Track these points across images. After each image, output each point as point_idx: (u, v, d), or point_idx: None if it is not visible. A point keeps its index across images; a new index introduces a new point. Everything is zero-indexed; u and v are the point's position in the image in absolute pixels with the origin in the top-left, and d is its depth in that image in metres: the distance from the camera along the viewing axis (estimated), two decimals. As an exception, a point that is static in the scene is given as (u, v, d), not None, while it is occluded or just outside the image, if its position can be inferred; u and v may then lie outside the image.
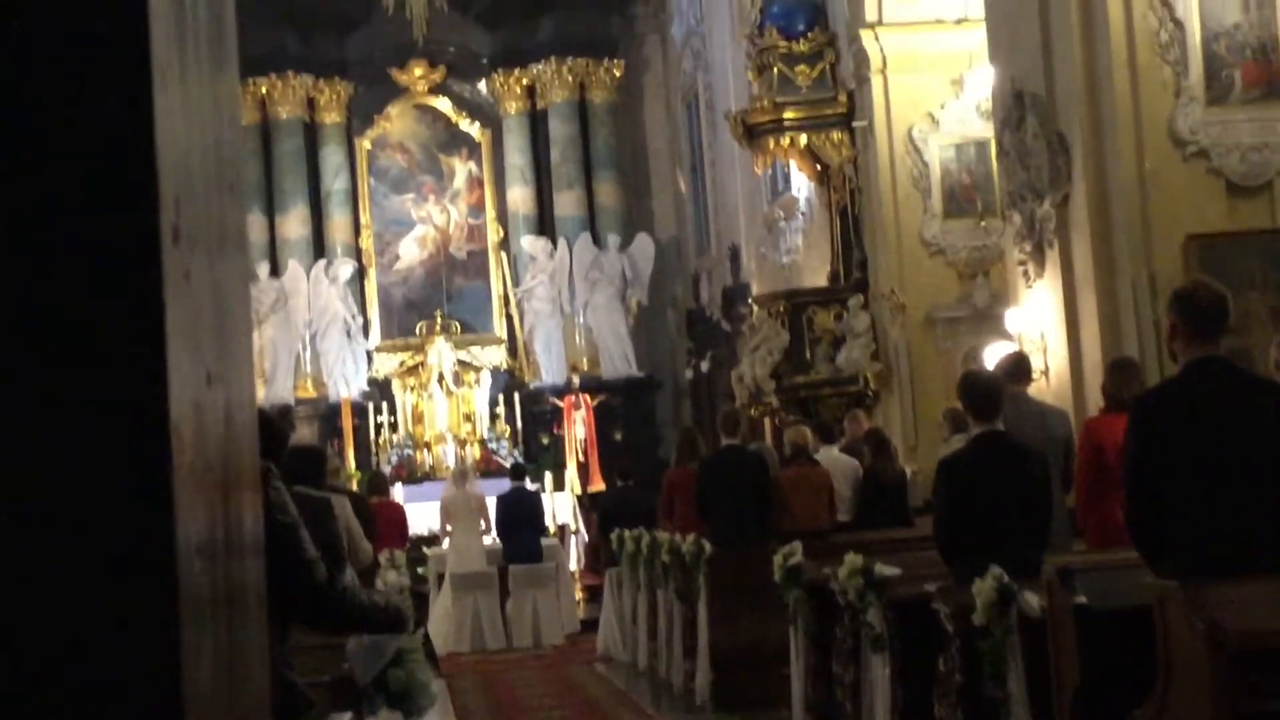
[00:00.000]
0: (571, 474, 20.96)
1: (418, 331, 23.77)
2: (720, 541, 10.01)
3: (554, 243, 23.69)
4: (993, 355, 11.28)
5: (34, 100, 0.88)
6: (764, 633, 9.06)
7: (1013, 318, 11.41)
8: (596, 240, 23.69)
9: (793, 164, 16.80)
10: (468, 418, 22.90)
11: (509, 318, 24.15)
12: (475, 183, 24.58)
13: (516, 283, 23.90)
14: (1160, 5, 9.69)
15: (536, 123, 24.24)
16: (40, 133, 0.88)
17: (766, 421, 16.93)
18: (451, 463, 21.14)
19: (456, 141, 24.63)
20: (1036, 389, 9.27)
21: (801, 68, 15.53)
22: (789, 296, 15.71)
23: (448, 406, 22.79)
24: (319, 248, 23.63)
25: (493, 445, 22.68)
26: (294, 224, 23.51)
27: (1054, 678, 4.87)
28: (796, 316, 15.22)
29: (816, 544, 8.53)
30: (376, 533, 10.40)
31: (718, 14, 20.81)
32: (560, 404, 22.30)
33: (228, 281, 1.11)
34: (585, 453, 21.73)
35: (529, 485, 16.12)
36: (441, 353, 22.85)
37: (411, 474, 21.92)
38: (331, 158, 23.94)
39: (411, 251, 24.38)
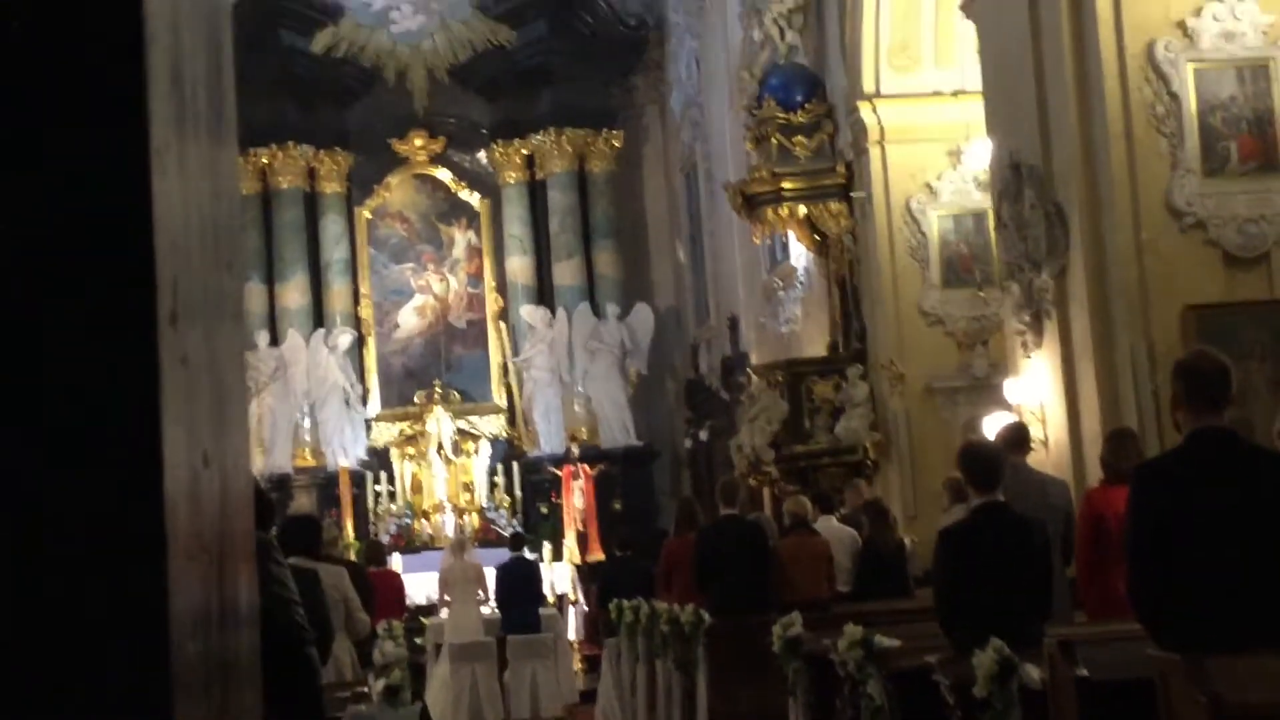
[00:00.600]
0: (570, 544, 20.90)
1: (417, 400, 23.77)
2: (719, 612, 9.95)
3: (553, 312, 23.73)
4: (992, 425, 11.26)
5: (32, 182, 0.88)
6: (763, 704, 8.99)
7: (1012, 388, 11.40)
8: (596, 310, 23.73)
9: (791, 234, 16.85)
10: (466, 487, 22.86)
11: (508, 387, 24.17)
12: (475, 252, 24.67)
13: (516, 352, 23.93)
14: (1156, 78, 9.75)
15: (536, 192, 24.35)
16: (39, 215, 0.88)
17: (766, 491, 16.88)
18: (450, 532, 21.10)
19: (456, 211, 24.73)
20: (1036, 459, 9.25)
21: (800, 139, 15.62)
22: (788, 366, 15.72)
23: (446, 476, 22.75)
24: (318, 317, 23.67)
25: (491, 515, 22.63)
26: (294, 293, 23.56)
27: (1056, 752, 4.83)
28: (795, 386, 15.22)
29: (816, 615, 8.49)
30: (375, 603, 10.34)
31: (716, 85, 20.95)
32: (559, 473, 22.26)
33: (224, 360, 1.10)
34: (584, 522, 21.67)
35: (528, 555, 16.06)
36: (440, 422, 22.84)
37: (410, 543, 21.85)
38: (331, 227, 24.03)
39: (411, 321, 24.43)
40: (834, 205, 15.44)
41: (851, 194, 15.20)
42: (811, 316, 17.30)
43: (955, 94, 14.51)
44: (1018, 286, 10.95)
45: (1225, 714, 3.83)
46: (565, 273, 23.96)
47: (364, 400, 23.72)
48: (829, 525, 11.31)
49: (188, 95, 1.02)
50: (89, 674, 0.94)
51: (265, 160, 23.58)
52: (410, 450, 23.11)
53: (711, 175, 21.48)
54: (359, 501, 22.24)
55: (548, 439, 23.44)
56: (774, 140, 15.63)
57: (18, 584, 0.89)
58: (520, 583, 14.69)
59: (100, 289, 0.89)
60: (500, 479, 23.04)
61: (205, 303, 1.04)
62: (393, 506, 22.67)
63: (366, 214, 24.49)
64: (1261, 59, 9.87)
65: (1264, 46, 9.86)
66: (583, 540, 21.25)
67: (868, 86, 14.70)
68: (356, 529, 21.27)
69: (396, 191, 24.64)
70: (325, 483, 22.61)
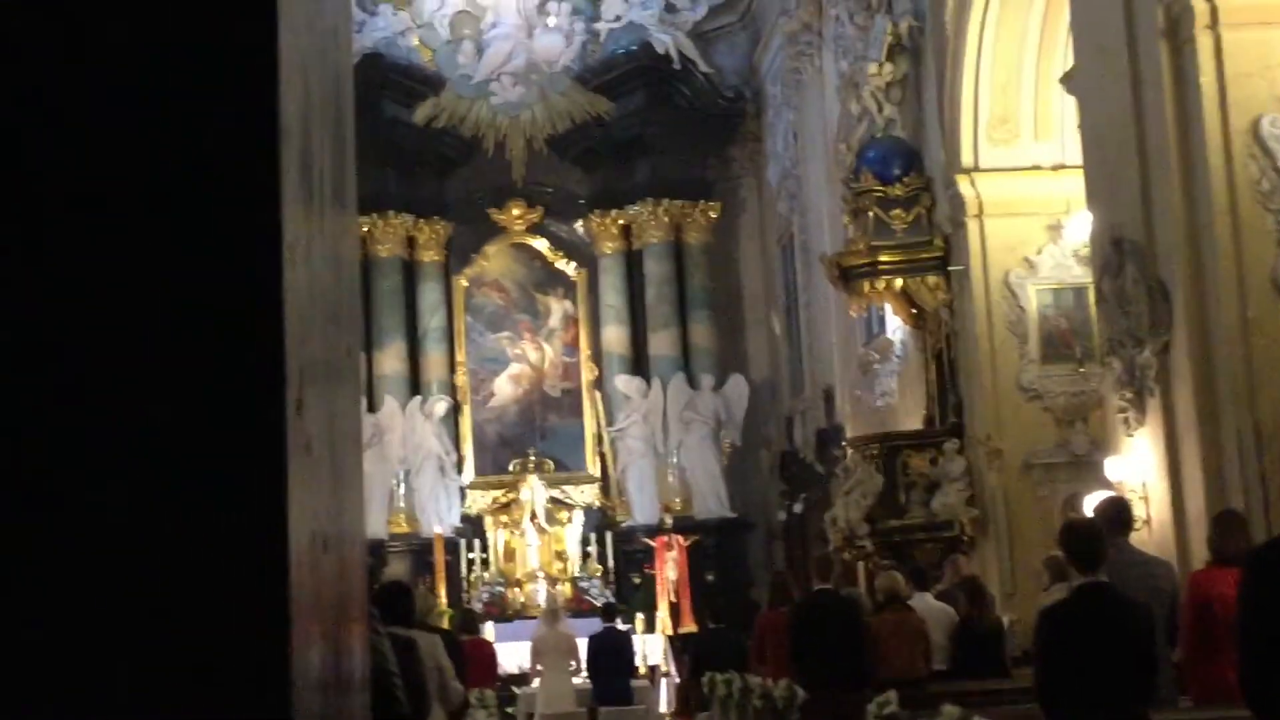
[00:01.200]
0: (663, 615, 20.81)
1: (511, 469, 23.85)
2: (813, 687, 9.85)
3: (648, 382, 23.75)
4: (1093, 503, 11.11)
5: (165, 273, 0.89)
6: (858, 784, 8.87)
7: (1113, 465, 11.25)
8: (690, 380, 23.73)
9: (888, 307, 16.79)
10: (559, 556, 22.86)
11: (602, 456, 24.18)
12: (570, 321, 24.78)
13: (610, 422, 23.95)
14: (1261, 154, 9.65)
15: (632, 263, 24.45)
16: (171, 306, 0.89)
17: (860, 565, 16.74)
18: (543, 601, 21.08)
19: (552, 280, 24.89)
20: (1138, 539, 9.11)
21: (897, 211, 15.58)
22: (883, 439, 15.61)
23: (539, 544, 22.76)
24: (415, 384, 23.85)
25: (584, 584, 22.59)
26: (391, 360, 23.77)
27: (1161, 842, 4.72)
28: (891, 460, 15.11)
29: (912, 693, 8.39)
30: (467, 672, 10.34)
31: (813, 158, 20.97)
32: (652, 544, 22.21)
33: (343, 442, 1.11)
34: (677, 593, 21.58)
35: (620, 625, 16.01)
36: (534, 490, 22.88)
37: (502, 612, 21.85)
38: (429, 295, 24.25)
39: (506, 389, 24.55)
40: (931, 279, 15.36)
41: (949, 267, 15.13)
42: (907, 390, 17.19)
43: (1055, 168, 14.45)
44: (1119, 362, 10.82)
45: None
46: (660, 343, 24.00)
47: (459, 468, 23.83)
48: (925, 602, 11.17)
49: (315, 183, 1.03)
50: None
51: (366, 229, 23.86)
52: (504, 518, 23.16)
53: (808, 247, 21.47)
54: (452, 569, 22.30)
55: (641, 509, 23.41)
56: (871, 213, 15.60)
57: (150, 673, 0.90)
58: (612, 653, 14.64)
59: (230, 380, 0.90)
60: (593, 548, 23.02)
61: (327, 388, 1.05)
62: (486, 574, 22.70)
63: (464, 282, 24.71)
64: (1370, 135, 9.73)
65: (1373, 122, 9.72)
66: (675, 611, 21.16)
67: (966, 160, 14.66)
68: (449, 596, 21.31)
69: (494, 260, 24.84)
70: (419, 549, 22.70)
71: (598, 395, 24.27)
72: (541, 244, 24.90)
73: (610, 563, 22.96)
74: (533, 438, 24.21)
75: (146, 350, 0.89)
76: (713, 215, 24.46)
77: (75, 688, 0.92)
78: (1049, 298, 14.52)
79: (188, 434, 0.89)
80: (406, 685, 4.68)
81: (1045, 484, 14.12)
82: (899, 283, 15.56)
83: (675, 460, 23.48)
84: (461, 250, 24.72)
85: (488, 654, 13.37)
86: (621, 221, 24.37)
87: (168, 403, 0.89)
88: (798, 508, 21.82)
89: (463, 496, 23.79)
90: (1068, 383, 14.18)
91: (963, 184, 14.60)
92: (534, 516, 22.76)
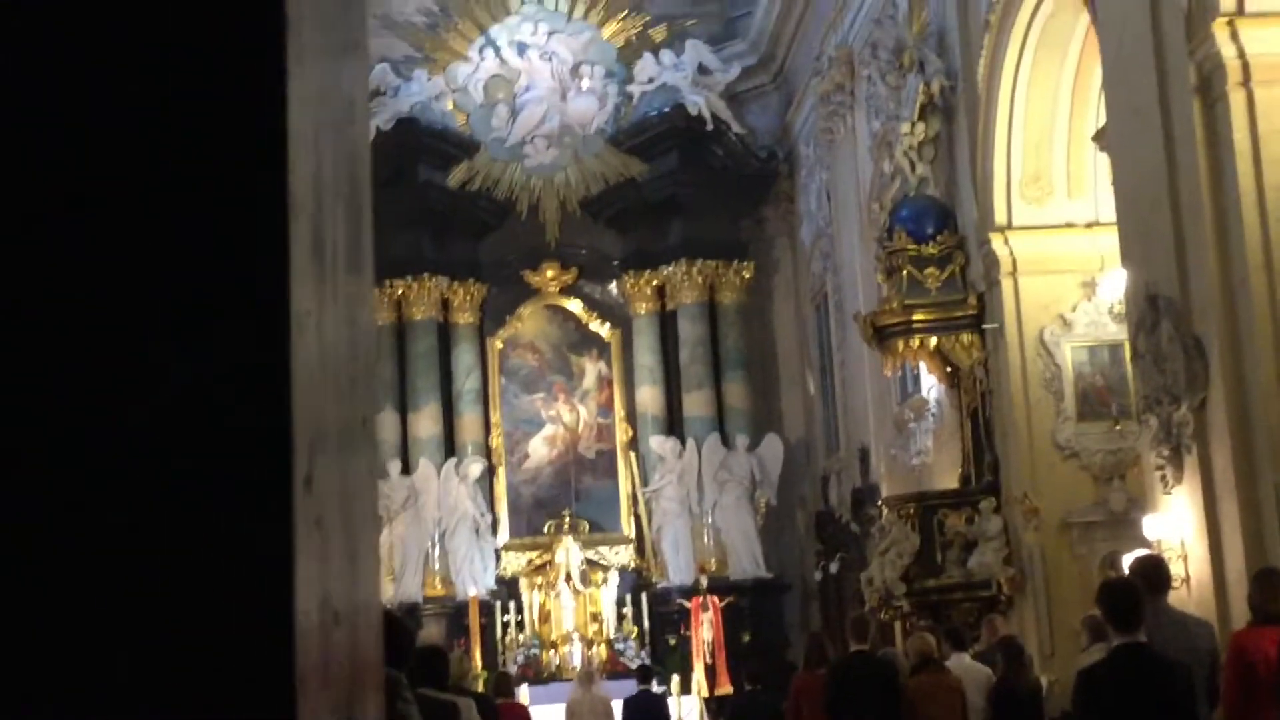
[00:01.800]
0: (699, 676, 20.67)
1: (546, 530, 23.82)
2: (850, 751, 9.76)
3: (683, 443, 23.72)
4: (1132, 562, 11.01)
5: (172, 349, 0.89)
6: None
7: (1151, 524, 11.16)
8: (725, 441, 23.70)
9: (922, 365, 16.74)
10: (595, 617, 22.77)
11: (637, 517, 24.13)
12: (605, 382, 24.80)
13: (645, 482, 23.91)
14: (1297, 209, 9.62)
15: (666, 323, 24.48)
16: (177, 381, 0.89)
17: (897, 626, 16.62)
18: (578, 663, 20.99)
19: (587, 341, 24.93)
20: (1177, 598, 9.02)
21: (931, 270, 15.56)
22: (919, 499, 15.54)
23: (575, 606, 22.68)
24: (449, 446, 23.88)
25: (619, 646, 22.48)
26: (426, 422, 23.82)
27: None
28: (927, 519, 15.03)
29: (950, 757, 8.30)
30: (501, 736, 10.29)
31: (846, 217, 21.00)
32: (688, 605, 22.09)
33: (358, 516, 1.11)
34: (713, 654, 21.45)
35: (655, 688, 15.91)
36: (569, 551, 22.83)
37: (538, 674, 21.75)
38: (464, 357, 24.32)
39: (541, 450, 24.56)
40: (966, 337, 15.32)
41: (984, 326, 15.09)
42: (943, 448, 17.11)
43: (1089, 225, 14.43)
44: (1156, 420, 10.75)
45: None
46: (695, 403, 23.99)
47: (494, 529, 23.81)
48: (962, 662, 11.08)
49: (328, 254, 1.03)
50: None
51: (401, 291, 23.99)
52: (539, 580, 23.10)
53: (842, 306, 21.46)
54: (487, 631, 22.24)
55: (676, 570, 23.31)
56: (905, 272, 15.59)
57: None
58: (648, 716, 14.55)
59: (236, 453, 0.90)
60: (629, 610, 22.93)
61: (341, 461, 1.04)
62: (521, 637, 22.62)
63: (498, 344, 24.78)
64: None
65: None
66: (711, 673, 21.02)
67: (999, 218, 14.65)
68: (484, 659, 21.25)
69: (528, 322, 24.91)
70: (454, 612, 22.65)
71: (632, 456, 24.24)
72: (575, 305, 24.97)
73: (645, 624, 22.86)
74: (567, 499, 24.19)
75: (151, 426, 0.89)
76: (746, 275, 24.49)
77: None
78: (1084, 355, 14.46)
79: (193, 513, 0.89)
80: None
81: (1083, 543, 14.01)
82: (933, 341, 15.52)
83: (710, 521, 23.41)
84: (496, 312, 24.80)
85: (523, 717, 13.30)
86: (655, 282, 24.42)
87: (172, 481, 0.89)
88: (833, 568, 21.69)
89: (498, 558, 23.76)
90: (1104, 440, 14.09)
91: (996, 242, 14.59)
92: (569, 578, 22.70)
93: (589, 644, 22.24)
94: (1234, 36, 9.80)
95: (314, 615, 0.93)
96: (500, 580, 23.51)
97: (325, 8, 1.05)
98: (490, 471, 24.10)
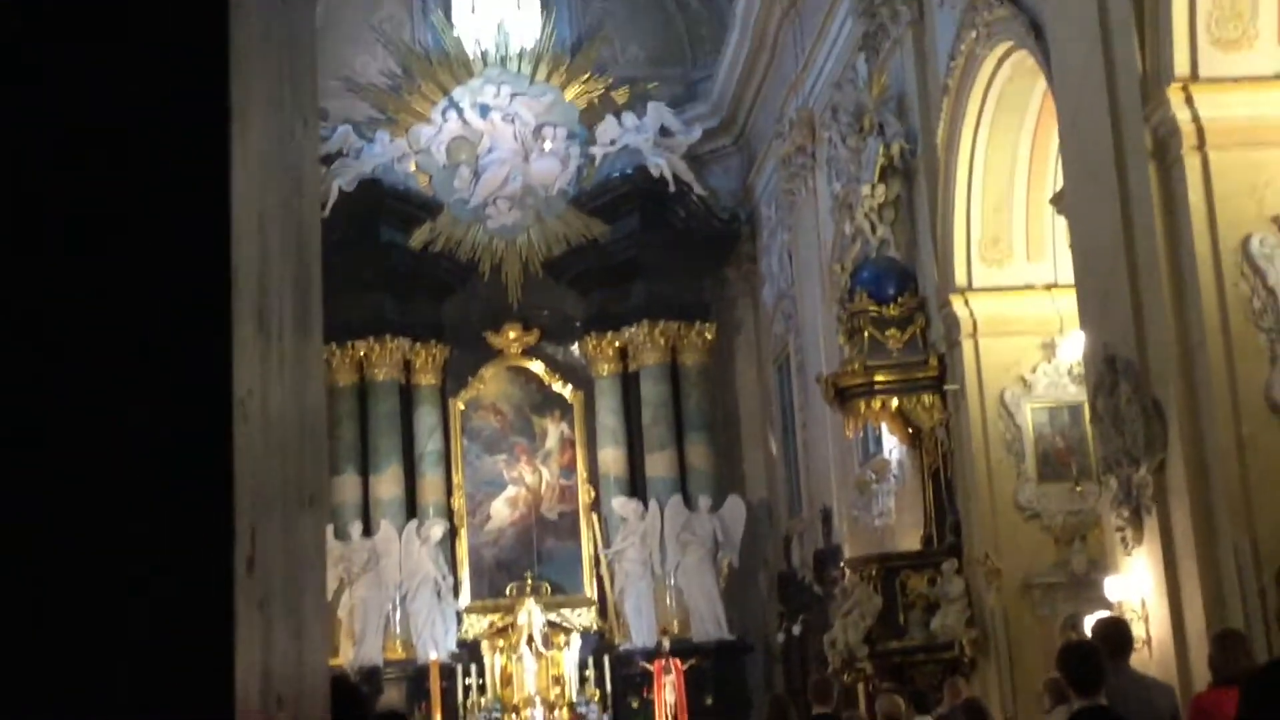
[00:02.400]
0: (661, 740, 20.55)
1: (508, 592, 23.70)
2: (813, 816, 9.70)
3: (645, 504, 23.68)
4: (1093, 624, 11.02)
5: (116, 433, 0.88)
6: None
7: (1112, 585, 11.17)
8: (688, 502, 23.66)
9: (884, 426, 16.76)
10: (557, 680, 22.63)
11: (599, 579, 24.04)
12: (567, 444, 24.76)
13: (607, 544, 23.84)
14: (1252, 273, 9.69)
15: (628, 384, 24.48)
16: (118, 467, 0.88)
17: (860, 688, 16.56)
18: (540, 727, 20.83)
19: (549, 403, 24.91)
20: (1138, 659, 9.02)
21: (892, 331, 15.62)
22: (881, 560, 15.52)
23: (537, 669, 22.53)
24: (411, 507, 23.78)
25: (582, 709, 22.34)
26: (388, 484, 23.72)
27: None
28: (889, 580, 15.01)
29: (913, 821, 8.26)
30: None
31: (808, 278, 21.08)
32: (650, 667, 21.99)
33: (306, 596, 1.10)
34: (675, 717, 21.33)
35: (618, 752, 15.80)
36: (531, 614, 22.70)
37: (499, 738, 21.58)
38: (426, 419, 24.26)
39: (503, 512, 24.47)
40: (927, 398, 15.36)
41: (945, 387, 15.13)
42: (905, 510, 17.12)
43: (1048, 287, 14.52)
44: (1116, 481, 10.79)
45: None
46: (657, 464, 23.96)
47: (455, 592, 23.68)
48: (926, 726, 11.04)
49: (274, 331, 1.03)
50: None
51: (363, 353, 23.93)
52: (501, 643, 22.95)
53: (804, 367, 21.50)
54: (449, 695, 22.05)
55: (639, 632, 23.21)
56: (866, 333, 15.64)
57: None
58: (610, 781, 14.44)
59: (175, 540, 0.89)
60: (591, 672, 22.79)
61: (286, 540, 1.03)
62: (482, 700, 22.45)
63: (460, 405, 24.73)
64: (1359, 253, 9.78)
65: (1361, 240, 9.78)
66: (674, 736, 20.89)
67: (960, 280, 14.73)
68: (446, 723, 21.06)
69: (490, 383, 24.88)
70: (415, 675, 22.48)
71: (594, 517, 24.19)
72: (538, 366, 24.96)
73: (608, 687, 22.72)
74: (529, 561, 24.08)
75: (89, 511, 0.88)
76: (709, 336, 24.54)
77: None
78: (1045, 416, 14.52)
79: (132, 601, 0.88)
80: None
81: (1045, 604, 14.01)
82: (895, 402, 15.55)
83: (673, 582, 23.34)
84: (458, 373, 24.77)
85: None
86: (618, 343, 24.45)
87: (110, 568, 0.87)
88: (796, 629, 21.63)
89: (459, 621, 23.62)
90: (1065, 501, 14.12)
91: (957, 304, 14.66)
92: (531, 640, 22.57)
93: (551, 707, 22.09)
94: (1189, 101, 9.91)
95: (255, 700, 0.92)
96: (462, 643, 23.36)
97: (272, 88, 1.05)
98: (452, 533, 24.00)
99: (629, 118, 24.69)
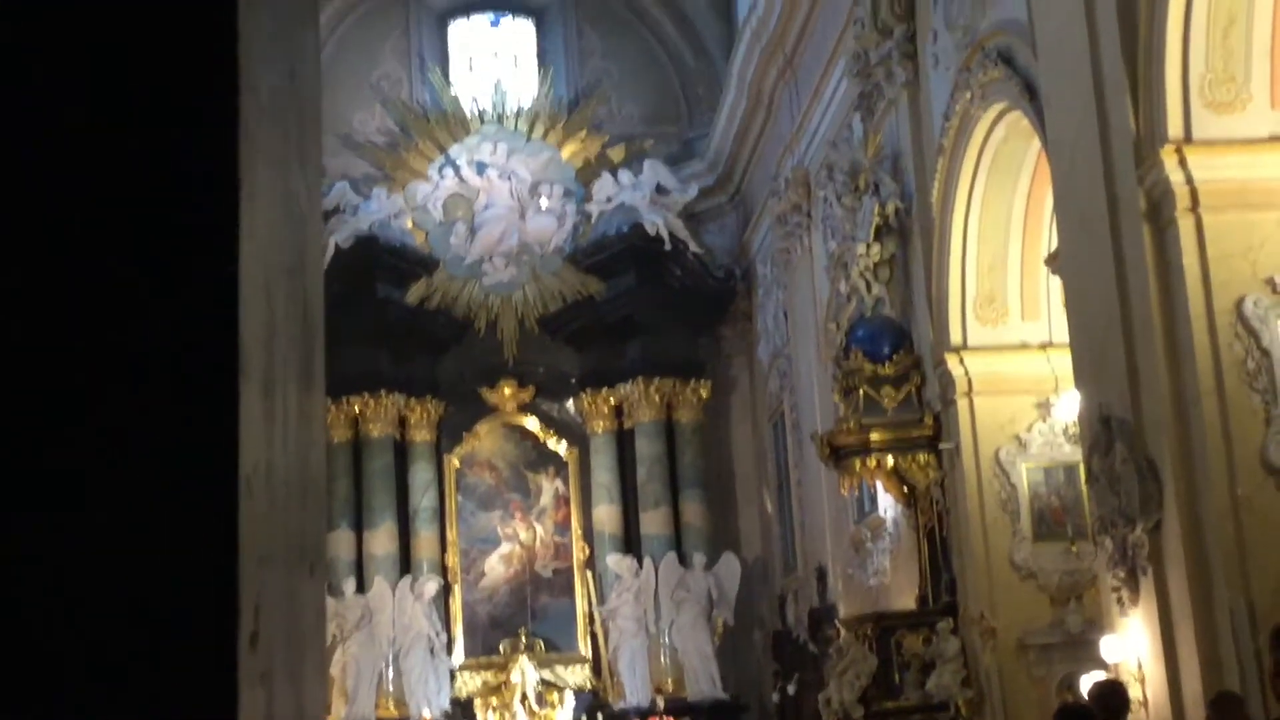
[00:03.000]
0: (655, 799, 20.42)
1: (501, 650, 23.58)
2: None
3: (639, 561, 23.61)
4: (1089, 684, 10.98)
5: (121, 514, 0.89)
6: None
7: (1108, 646, 11.14)
8: (682, 559, 23.60)
9: (879, 484, 16.74)
10: (551, 739, 22.51)
11: (593, 636, 23.94)
12: (561, 500, 24.72)
13: (601, 601, 23.76)
14: (1245, 334, 9.72)
15: (623, 441, 24.46)
16: (120, 546, 0.89)
17: (855, 748, 16.47)
18: (533, 786, 20.69)
19: (544, 459, 24.88)
20: (1135, 722, 8.98)
21: (887, 390, 15.62)
22: (877, 619, 15.46)
23: (530, 727, 22.41)
24: (405, 564, 23.70)
25: (575, 768, 22.22)
26: (382, 540, 23.65)
27: None
28: (885, 639, 14.95)
29: None
30: None
31: (803, 336, 21.11)
32: (644, 726, 21.88)
33: (307, 669, 1.10)
34: (670, 777, 21.21)
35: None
36: (525, 671, 22.60)
37: (492, 798, 21.44)
38: (421, 475, 24.22)
39: (497, 569, 24.40)
40: (922, 456, 15.35)
41: (939, 445, 15.13)
42: (900, 568, 17.08)
43: (1043, 346, 14.54)
44: (1111, 541, 10.77)
45: None
46: (652, 522, 23.91)
47: (449, 649, 23.57)
48: (921, 787, 10.99)
49: (279, 403, 1.03)
50: None
51: (358, 408, 23.92)
52: (494, 700, 22.84)
53: (799, 425, 21.50)
54: (441, 753, 21.93)
55: (633, 690, 23.10)
56: (861, 391, 15.65)
57: None
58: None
59: (181, 617, 0.89)
60: (585, 731, 22.68)
61: (287, 612, 1.04)
62: (475, 758, 22.32)
63: (455, 462, 24.69)
64: (1353, 314, 9.81)
65: (1355, 302, 9.81)
66: (668, 796, 20.76)
67: (955, 338, 14.75)
68: (438, 782, 20.92)
69: (485, 440, 24.86)
70: (408, 733, 22.35)
71: (589, 575, 24.11)
72: (533, 423, 24.95)
73: (602, 746, 22.59)
74: (524, 618, 23.99)
75: (97, 586, 0.88)
76: (704, 394, 24.54)
77: None
78: (1040, 475, 14.50)
79: (136, 676, 0.88)
80: None
81: (1041, 664, 13.95)
82: (890, 461, 15.53)
83: (667, 640, 23.25)
84: (453, 429, 24.75)
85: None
86: (613, 401, 24.44)
87: (116, 643, 0.88)
88: (791, 688, 21.52)
89: (453, 679, 23.49)
90: (1061, 561, 14.09)
91: (952, 362, 14.67)
92: (525, 699, 22.46)
93: (544, 766, 21.96)
94: (1182, 163, 9.97)
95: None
96: (455, 701, 23.22)
97: (278, 152, 1.06)
98: (446, 590, 23.91)
99: (625, 175, 24.79)
